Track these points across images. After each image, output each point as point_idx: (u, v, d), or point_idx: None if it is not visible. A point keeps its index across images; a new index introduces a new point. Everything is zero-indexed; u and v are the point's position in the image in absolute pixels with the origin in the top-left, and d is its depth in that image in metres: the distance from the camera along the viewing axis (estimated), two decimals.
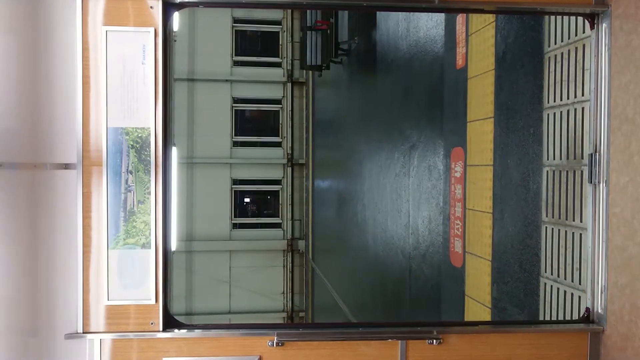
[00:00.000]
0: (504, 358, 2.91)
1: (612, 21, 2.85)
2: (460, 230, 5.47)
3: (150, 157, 2.74)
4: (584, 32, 3.55)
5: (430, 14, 6.36)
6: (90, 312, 2.75)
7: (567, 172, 3.75)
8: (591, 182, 2.97)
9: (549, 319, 3.95)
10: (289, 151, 17.12)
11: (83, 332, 2.74)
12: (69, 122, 2.72)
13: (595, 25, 2.95)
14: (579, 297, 3.59)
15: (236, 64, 17.05)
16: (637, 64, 2.67)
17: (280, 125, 17.36)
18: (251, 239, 16.93)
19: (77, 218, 2.73)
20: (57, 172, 2.74)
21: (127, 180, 2.73)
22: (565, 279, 3.75)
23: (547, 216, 3.98)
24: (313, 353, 2.86)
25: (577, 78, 3.64)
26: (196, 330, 2.82)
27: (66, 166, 2.74)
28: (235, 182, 17.06)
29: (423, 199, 6.59)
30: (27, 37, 2.64)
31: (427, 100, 6.76)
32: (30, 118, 2.67)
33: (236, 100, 17.03)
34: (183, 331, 2.81)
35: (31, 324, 2.67)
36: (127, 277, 2.75)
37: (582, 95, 3.59)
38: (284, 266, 16.92)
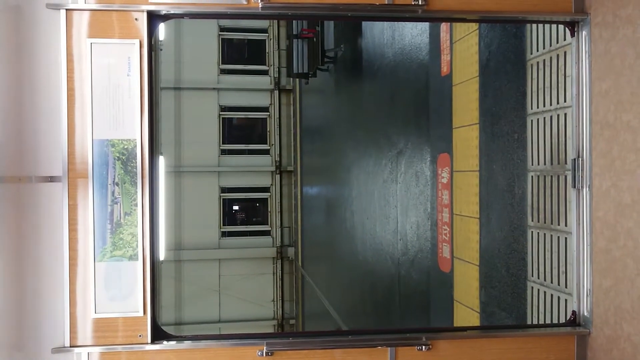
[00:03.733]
0: None
1: (591, 29, 2.91)
2: (448, 235, 5.50)
3: (136, 169, 2.73)
4: (565, 39, 3.61)
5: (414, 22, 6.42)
6: (77, 326, 2.73)
7: (552, 177, 3.80)
8: (575, 187, 3.01)
9: (536, 322, 3.99)
10: (277, 158, 17.12)
11: (70, 346, 2.72)
12: (53, 134, 2.71)
13: (575, 33, 3.01)
14: (566, 300, 3.63)
15: (223, 72, 17.05)
16: (616, 70, 2.72)
17: (268, 133, 17.36)
18: (240, 247, 16.87)
19: (63, 231, 2.71)
20: (43, 185, 2.73)
21: (113, 192, 2.72)
22: (551, 282, 3.79)
23: (532, 221, 4.03)
24: None
25: (559, 84, 3.70)
26: (185, 341, 2.81)
27: (51, 179, 2.73)
28: (224, 190, 17.01)
29: (411, 205, 6.62)
30: (11, 50, 2.63)
31: (413, 107, 6.81)
32: (14, 131, 2.65)
33: (223, 108, 17.02)
34: (172, 343, 2.80)
35: (17, 338, 2.65)
36: (115, 289, 2.73)
37: (565, 101, 3.64)
38: (273, 274, 16.87)
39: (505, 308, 4.43)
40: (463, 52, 5.21)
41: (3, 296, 2.55)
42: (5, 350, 2.57)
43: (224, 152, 16.99)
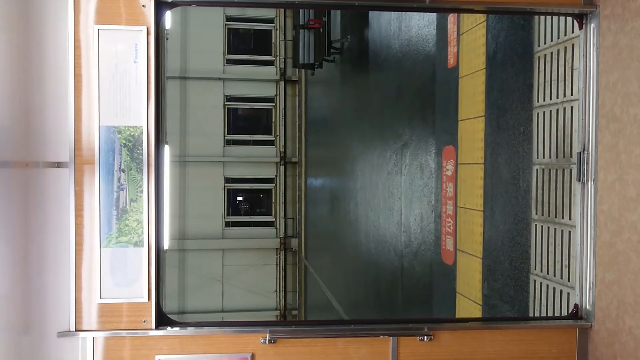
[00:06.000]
0: (494, 354, 2.94)
1: (600, 21, 2.89)
2: (451, 228, 5.51)
3: (142, 156, 2.75)
4: (572, 32, 3.59)
5: (421, 13, 6.39)
6: (82, 310, 2.75)
7: (557, 170, 3.79)
8: (580, 180, 3.01)
9: (538, 316, 3.99)
10: (282, 149, 17.12)
11: (75, 330, 2.75)
12: (61, 120, 2.72)
13: (583, 25, 2.99)
14: (568, 293, 3.63)
15: (229, 62, 17.02)
16: (624, 63, 2.71)
17: (273, 124, 17.35)
18: (244, 237, 16.92)
19: (69, 216, 2.73)
20: (49, 171, 2.74)
21: (119, 179, 2.74)
22: (554, 275, 3.79)
23: (536, 214, 4.03)
24: (305, 350, 2.88)
25: (566, 77, 3.68)
26: (189, 328, 2.84)
27: (58, 165, 2.74)
28: (228, 180, 17.04)
29: (415, 197, 6.62)
30: (19, 36, 2.64)
31: (419, 98, 6.79)
32: (22, 117, 2.67)
33: (229, 99, 17.01)
34: (176, 329, 2.82)
35: (24, 322, 2.68)
36: (120, 275, 2.75)
37: (571, 94, 3.63)
38: (277, 264, 16.93)
39: (508, 301, 4.44)
40: (470, 44, 5.19)
41: (10, 281, 2.57)
42: (12, 334, 2.60)
43: (228, 142, 17.01)
